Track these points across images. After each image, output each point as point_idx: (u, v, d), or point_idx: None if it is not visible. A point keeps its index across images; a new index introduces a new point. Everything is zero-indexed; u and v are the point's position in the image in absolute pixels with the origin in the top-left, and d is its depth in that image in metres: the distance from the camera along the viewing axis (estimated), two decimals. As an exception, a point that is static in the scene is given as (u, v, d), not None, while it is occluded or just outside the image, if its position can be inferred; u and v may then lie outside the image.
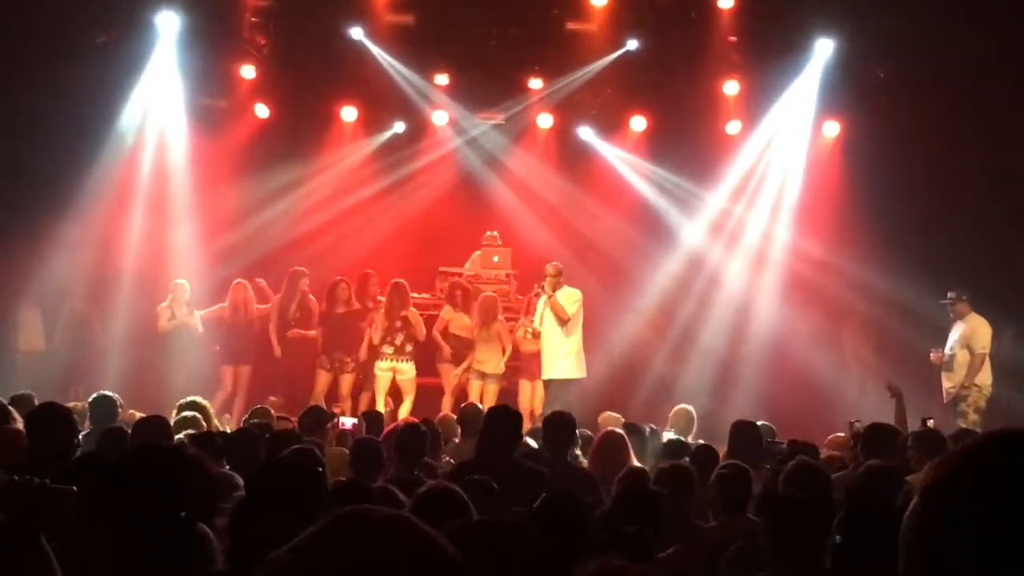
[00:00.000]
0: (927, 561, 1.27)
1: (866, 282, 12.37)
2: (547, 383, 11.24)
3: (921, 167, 12.23)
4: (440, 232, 13.64)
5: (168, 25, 12.51)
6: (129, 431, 6.25)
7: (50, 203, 11.59)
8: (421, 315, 11.70)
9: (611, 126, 13.97)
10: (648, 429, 7.90)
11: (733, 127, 13.69)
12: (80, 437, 5.68)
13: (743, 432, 6.96)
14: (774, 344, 12.60)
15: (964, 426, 9.77)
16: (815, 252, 12.84)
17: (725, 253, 13.45)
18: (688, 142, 13.52)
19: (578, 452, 6.81)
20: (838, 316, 12.87)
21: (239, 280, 11.88)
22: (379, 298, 11.76)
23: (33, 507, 2.57)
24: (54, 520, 2.61)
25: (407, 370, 11.38)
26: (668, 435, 8.50)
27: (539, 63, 13.57)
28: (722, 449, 6.85)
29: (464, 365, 11.57)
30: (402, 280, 11.67)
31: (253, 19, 13.28)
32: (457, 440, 7.93)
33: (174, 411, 7.59)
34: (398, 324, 11.41)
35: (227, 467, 5.63)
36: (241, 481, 4.57)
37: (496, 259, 13.03)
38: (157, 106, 12.88)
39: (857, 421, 7.27)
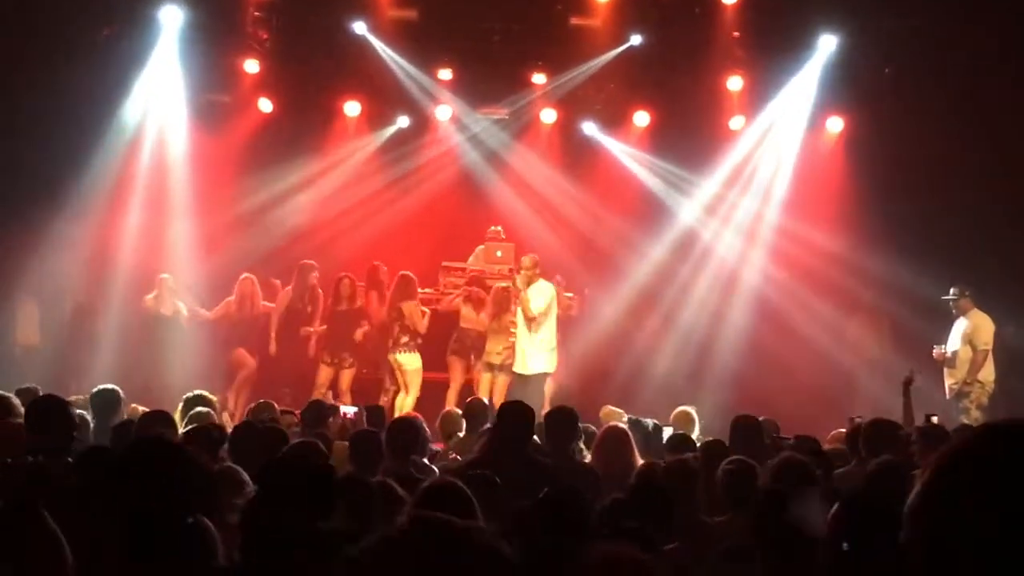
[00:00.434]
0: (928, 551, 1.28)
1: (874, 275, 12.35)
2: (517, 376, 11.15)
3: (922, 164, 12.23)
4: (443, 227, 13.64)
5: (171, 20, 12.50)
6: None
7: (50, 200, 11.57)
8: (428, 308, 11.70)
9: (614, 121, 13.95)
10: (651, 424, 7.90)
11: (736, 122, 13.67)
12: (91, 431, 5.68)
13: (744, 427, 6.87)
14: (776, 337, 12.54)
15: (967, 423, 9.76)
16: (817, 244, 12.80)
17: (716, 233, 13.41)
18: (692, 137, 13.51)
19: (582, 446, 6.81)
20: (848, 308, 12.83)
21: (246, 275, 11.93)
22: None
23: (32, 483, 2.58)
24: (55, 491, 2.62)
25: (407, 362, 11.40)
26: (669, 432, 8.48)
27: (542, 58, 13.56)
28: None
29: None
30: (408, 273, 11.70)
31: (256, 14, 13.28)
32: (462, 435, 7.93)
33: (179, 405, 7.61)
34: (394, 315, 11.45)
35: (229, 462, 5.62)
36: (246, 476, 4.57)
37: (499, 254, 13.00)
38: (160, 102, 12.87)
39: (859, 416, 7.26)
